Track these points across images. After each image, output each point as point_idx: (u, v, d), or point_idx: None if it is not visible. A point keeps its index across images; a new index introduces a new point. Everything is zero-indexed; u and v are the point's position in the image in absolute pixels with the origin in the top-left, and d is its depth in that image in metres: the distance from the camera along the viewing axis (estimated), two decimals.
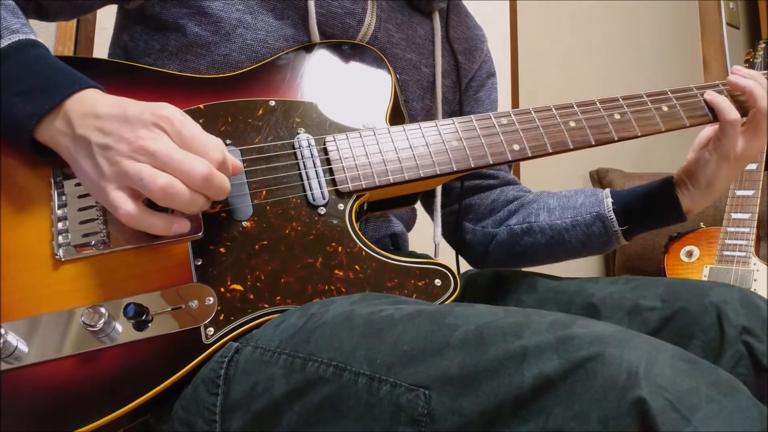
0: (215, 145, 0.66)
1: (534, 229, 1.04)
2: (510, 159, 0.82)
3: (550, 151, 0.83)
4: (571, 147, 0.84)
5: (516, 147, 0.82)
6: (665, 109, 0.87)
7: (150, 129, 0.65)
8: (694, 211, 0.96)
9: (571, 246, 1.02)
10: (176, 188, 0.63)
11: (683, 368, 0.48)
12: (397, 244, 1.01)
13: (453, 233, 1.12)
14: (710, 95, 0.90)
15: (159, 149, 0.63)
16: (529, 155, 0.83)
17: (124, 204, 0.64)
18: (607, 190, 1.00)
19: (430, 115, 1.01)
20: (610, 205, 0.97)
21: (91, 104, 0.67)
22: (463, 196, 1.09)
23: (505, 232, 1.07)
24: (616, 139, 0.86)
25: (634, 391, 0.46)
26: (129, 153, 0.64)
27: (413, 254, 1.00)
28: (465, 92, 1.09)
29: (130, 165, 0.63)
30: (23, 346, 0.64)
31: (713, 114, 0.90)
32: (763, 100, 0.89)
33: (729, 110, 0.89)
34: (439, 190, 1.05)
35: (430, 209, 1.09)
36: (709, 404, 0.45)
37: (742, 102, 0.91)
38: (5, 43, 0.69)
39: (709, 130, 0.94)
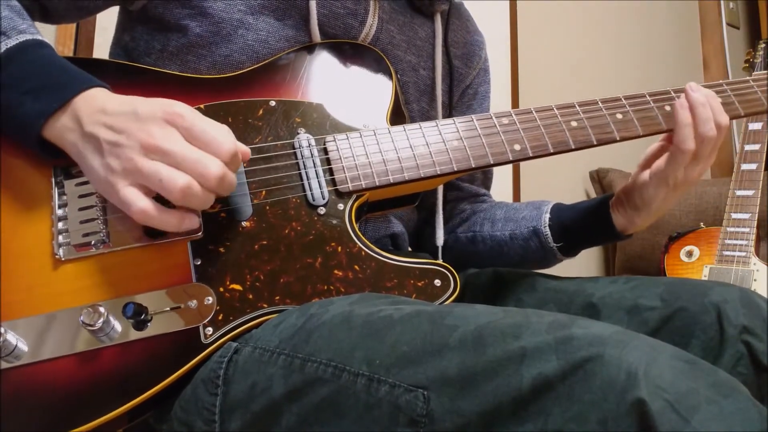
0: (227, 140, 0.67)
1: (477, 239, 1.05)
2: (511, 159, 0.82)
3: (552, 151, 0.83)
4: (573, 147, 0.84)
5: (517, 147, 0.82)
6: (667, 108, 0.87)
7: (161, 126, 0.65)
8: (631, 230, 0.92)
9: (510, 258, 1.03)
10: (194, 189, 0.64)
11: (683, 369, 0.48)
12: (396, 244, 1.01)
13: (412, 236, 1.12)
14: (678, 112, 0.84)
15: (173, 148, 0.64)
16: (530, 155, 0.82)
17: (138, 200, 0.64)
18: (549, 205, 1.00)
19: (427, 118, 1.01)
20: (547, 220, 0.97)
21: (100, 102, 0.67)
22: (430, 203, 1.09)
23: (453, 239, 1.08)
24: (618, 138, 0.85)
25: (634, 392, 0.46)
26: (142, 151, 0.64)
27: (413, 254, 1.00)
28: (461, 98, 1.09)
29: (145, 164, 0.64)
30: (23, 345, 0.64)
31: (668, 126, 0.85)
32: (708, 124, 0.83)
33: (687, 138, 0.83)
34: (440, 193, 1.04)
35: (429, 213, 1.08)
36: (709, 405, 0.46)
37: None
38: (13, 42, 0.69)
39: (656, 147, 0.91)
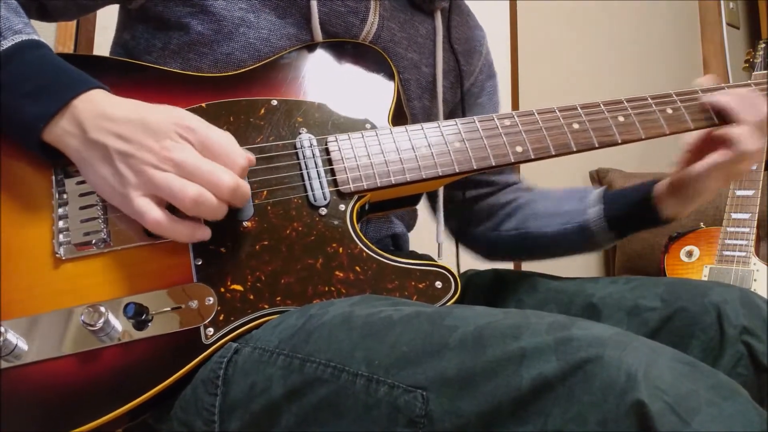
0: (239, 153, 0.67)
1: (524, 236, 1.06)
2: (513, 161, 0.82)
3: (553, 153, 0.83)
4: (575, 149, 0.83)
5: (519, 149, 0.82)
6: (669, 111, 0.86)
7: (174, 139, 0.65)
8: (676, 218, 0.94)
9: (557, 253, 1.04)
10: (206, 198, 0.64)
11: (682, 371, 0.48)
12: (398, 244, 1.01)
13: (458, 237, 1.14)
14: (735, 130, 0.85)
15: (186, 160, 0.64)
16: (532, 157, 0.82)
17: (152, 211, 0.64)
18: (595, 195, 1.00)
19: (429, 115, 1.01)
20: (601, 212, 0.98)
21: (101, 106, 0.67)
22: (467, 205, 1.11)
23: (499, 236, 1.09)
24: (619, 141, 0.85)
25: (633, 393, 0.46)
26: (155, 162, 0.64)
27: (414, 255, 1.00)
28: (467, 98, 1.09)
29: (158, 175, 0.64)
30: (23, 345, 0.64)
31: (719, 117, 0.87)
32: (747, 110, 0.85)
33: (751, 139, 0.84)
34: (441, 193, 1.04)
35: (432, 208, 1.09)
36: (709, 408, 0.46)
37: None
38: (9, 44, 0.69)
39: (700, 135, 0.91)
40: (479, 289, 0.96)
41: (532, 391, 0.50)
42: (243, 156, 0.68)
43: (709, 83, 0.91)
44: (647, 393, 0.46)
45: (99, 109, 0.67)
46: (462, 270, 1.04)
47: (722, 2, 3.10)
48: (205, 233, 0.69)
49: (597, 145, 0.84)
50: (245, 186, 0.68)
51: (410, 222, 1.06)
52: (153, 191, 0.65)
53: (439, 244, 1.04)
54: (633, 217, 0.97)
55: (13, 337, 0.63)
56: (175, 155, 0.64)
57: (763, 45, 2.03)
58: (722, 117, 0.87)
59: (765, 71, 1.97)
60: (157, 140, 0.65)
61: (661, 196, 0.93)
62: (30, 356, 0.64)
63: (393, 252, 0.82)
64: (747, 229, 1.78)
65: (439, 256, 1.05)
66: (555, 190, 1.09)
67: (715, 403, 0.46)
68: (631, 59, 2.74)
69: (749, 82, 0.92)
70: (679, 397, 0.46)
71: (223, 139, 0.67)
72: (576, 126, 0.84)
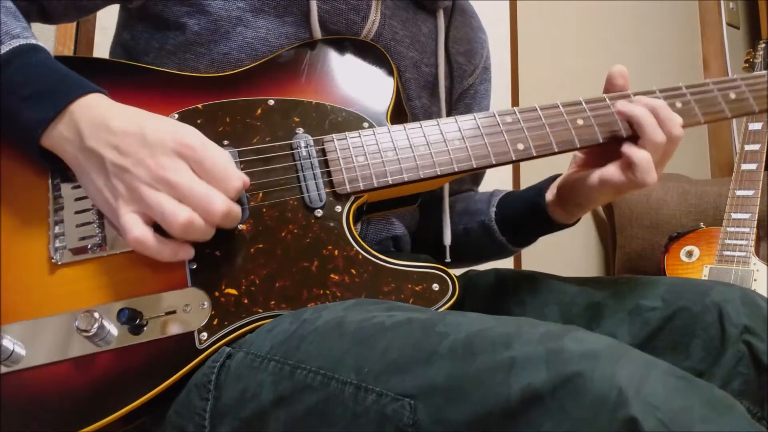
0: (236, 176, 0.67)
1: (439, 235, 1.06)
2: (514, 159, 0.80)
3: (556, 150, 0.81)
4: (578, 146, 0.81)
5: (520, 146, 0.80)
6: (679, 105, 0.84)
7: (171, 157, 0.65)
8: (571, 222, 0.93)
9: (469, 252, 1.05)
10: (195, 224, 0.64)
11: (676, 386, 0.47)
12: (399, 246, 1.00)
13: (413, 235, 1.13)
14: (635, 114, 0.79)
15: (180, 182, 0.64)
16: (534, 155, 0.80)
17: (135, 228, 0.64)
18: (498, 197, 1.01)
19: (428, 115, 1.00)
20: (493, 214, 0.99)
21: (100, 112, 0.67)
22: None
23: (423, 235, 1.08)
24: (625, 136, 0.82)
25: (625, 409, 0.45)
26: (149, 180, 0.64)
27: (413, 257, 0.99)
28: (461, 97, 1.08)
29: (150, 194, 0.63)
30: (20, 350, 0.64)
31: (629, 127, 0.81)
32: (654, 131, 0.78)
33: (652, 171, 0.77)
34: (446, 191, 1.03)
35: (431, 211, 1.08)
36: (703, 424, 0.44)
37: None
38: (6, 48, 0.68)
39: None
40: (480, 290, 0.95)
41: (522, 401, 0.49)
42: (239, 179, 0.67)
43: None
44: (639, 409, 0.44)
45: (97, 116, 0.66)
46: (464, 270, 1.04)
47: (722, 2, 3.09)
48: (188, 253, 0.68)
49: (601, 141, 0.82)
50: (237, 210, 0.67)
51: (411, 223, 1.06)
52: (144, 210, 0.64)
53: (445, 246, 1.02)
54: (524, 221, 0.96)
55: (9, 343, 0.63)
56: (170, 175, 0.64)
57: (763, 45, 2.02)
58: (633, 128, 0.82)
59: (765, 71, 1.96)
60: (153, 156, 0.64)
61: (553, 203, 0.91)
62: (26, 361, 0.64)
63: (393, 254, 0.82)
64: (747, 229, 1.77)
65: (444, 258, 1.04)
66: (480, 193, 1.10)
67: (709, 420, 0.45)
68: (631, 59, 2.73)
69: (735, 77, 0.88)
70: (672, 414, 0.44)
71: (220, 159, 0.67)
72: (580, 122, 0.82)
